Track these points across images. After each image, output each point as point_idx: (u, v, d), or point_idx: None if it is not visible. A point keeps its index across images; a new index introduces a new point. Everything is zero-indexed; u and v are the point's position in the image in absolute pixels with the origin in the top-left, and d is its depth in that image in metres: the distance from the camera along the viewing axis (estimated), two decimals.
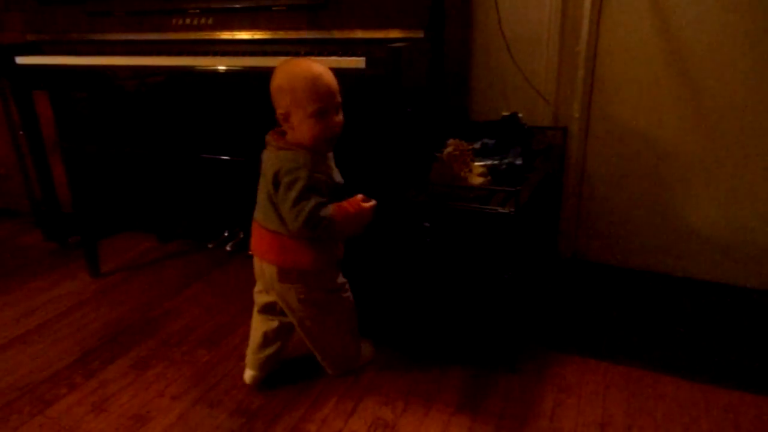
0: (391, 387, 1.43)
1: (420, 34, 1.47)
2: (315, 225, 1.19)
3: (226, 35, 1.71)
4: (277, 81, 1.21)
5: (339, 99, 1.22)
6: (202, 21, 1.72)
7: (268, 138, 1.28)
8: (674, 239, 1.89)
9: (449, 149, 1.43)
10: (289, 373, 1.49)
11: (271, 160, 1.25)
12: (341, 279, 1.39)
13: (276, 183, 1.22)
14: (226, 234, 1.90)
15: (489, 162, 1.55)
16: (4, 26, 2.18)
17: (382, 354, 1.55)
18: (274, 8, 1.63)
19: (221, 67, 1.55)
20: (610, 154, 1.89)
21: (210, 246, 1.89)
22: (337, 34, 1.57)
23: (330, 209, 1.21)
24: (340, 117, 1.23)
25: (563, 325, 1.67)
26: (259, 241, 1.33)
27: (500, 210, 1.34)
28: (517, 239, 1.36)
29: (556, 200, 1.94)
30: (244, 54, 1.61)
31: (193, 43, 1.76)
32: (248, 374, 1.44)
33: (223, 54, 1.64)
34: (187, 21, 1.74)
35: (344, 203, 1.24)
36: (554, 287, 1.88)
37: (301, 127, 1.20)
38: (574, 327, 1.65)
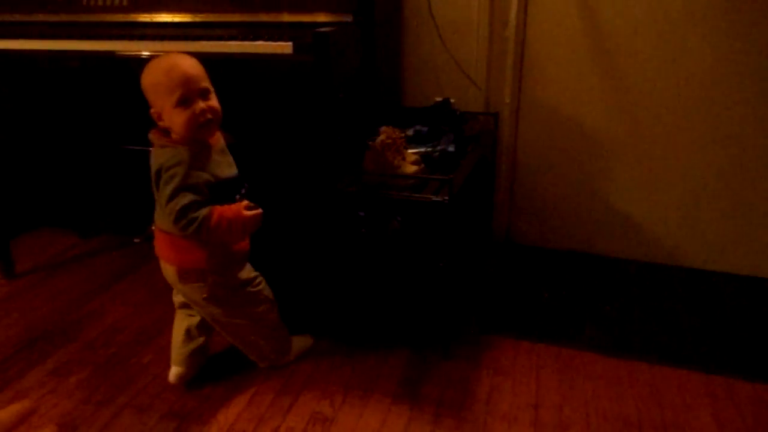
0: (329, 380, 1.41)
1: (349, 18, 1.44)
2: (186, 224, 1.14)
3: (144, 17, 1.62)
4: (142, 81, 1.17)
5: (203, 84, 1.16)
6: (116, 2, 1.61)
7: (151, 136, 1.21)
8: (601, 220, 1.96)
9: (382, 137, 1.41)
10: (223, 370, 1.45)
11: (153, 158, 1.20)
12: (247, 274, 1.34)
13: (158, 180, 1.18)
14: (152, 228, 1.81)
15: (422, 149, 1.54)
16: None
17: (319, 346, 1.53)
18: None
19: (145, 53, 1.47)
20: (540, 138, 1.93)
21: (136, 241, 1.81)
22: (263, 17, 1.52)
23: (205, 210, 1.15)
24: (209, 102, 1.17)
25: (497, 308, 1.70)
26: (158, 242, 1.29)
27: (434, 198, 1.33)
28: (451, 227, 1.36)
29: (489, 185, 1.97)
30: (165, 38, 1.52)
31: (109, 26, 1.65)
32: (173, 371, 1.39)
33: (142, 38, 1.54)
34: (99, 2, 1.62)
35: (225, 207, 1.17)
36: (488, 271, 1.91)
37: (172, 121, 1.16)
38: (508, 310, 1.69)
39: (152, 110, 1.19)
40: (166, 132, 1.20)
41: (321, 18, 1.45)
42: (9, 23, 1.74)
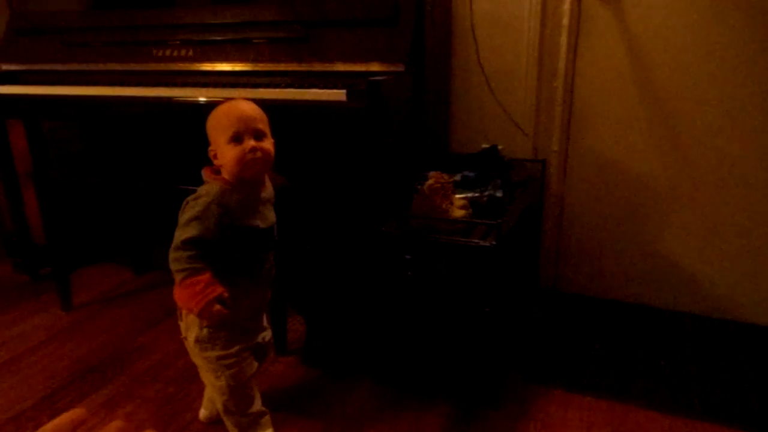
0: (372, 423, 1.39)
1: (401, 68, 1.49)
2: (178, 260, 1.10)
3: (206, 66, 1.71)
4: (207, 123, 1.21)
5: (259, 126, 1.18)
6: (183, 52, 1.72)
7: (202, 171, 1.23)
8: (654, 270, 1.90)
9: (430, 182, 1.43)
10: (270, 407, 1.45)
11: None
12: (230, 345, 1.23)
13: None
14: None
15: (470, 194, 1.55)
16: None
17: (364, 388, 1.51)
18: (255, 41, 1.64)
19: (201, 99, 1.54)
20: (589, 185, 1.91)
21: None
22: (317, 67, 1.58)
23: (199, 264, 1.10)
24: (261, 143, 1.17)
25: (545, 358, 1.65)
26: None
27: (482, 243, 1.33)
28: (498, 272, 1.35)
29: (536, 232, 1.95)
30: (224, 86, 1.61)
31: (174, 74, 1.75)
32: (201, 412, 1.44)
33: (204, 85, 1.63)
34: (167, 52, 1.73)
35: (212, 281, 1.10)
36: (535, 319, 1.87)
37: (223, 157, 1.17)
38: (557, 360, 1.64)
39: (210, 148, 1.22)
40: (218, 171, 1.22)
41: (374, 67, 1.50)
42: (85, 72, 1.87)
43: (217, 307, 1.08)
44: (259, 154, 1.16)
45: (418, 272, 1.40)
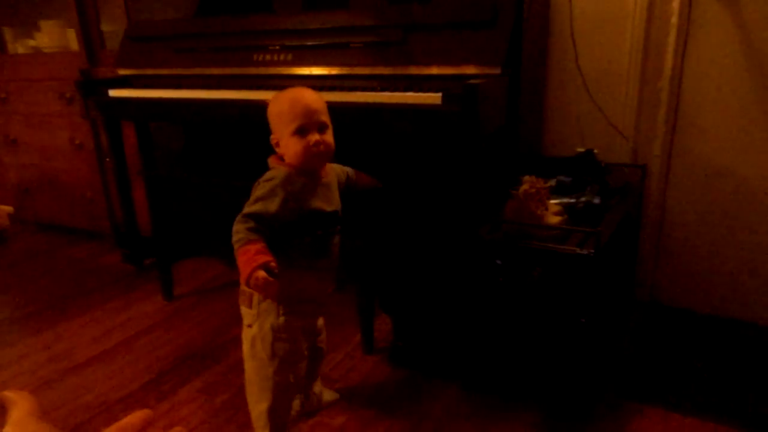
0: (457, 428, 1.38)
1: (497, 71, 1.47)
2: (236, 230, 1.12)
3: (303, 71, 1.76)
4: (268, 109, 1.22)
5: (323, 118, 1.18)
6: (282, 57, 1.78)
7: (269, 159, 1.25)
8: (763, 286, 1.76)
9: (525, 187, 1.40)
10: (353, 405, 1.48)
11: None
12: (299, 341, 1.25)
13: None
14: None
15: (565, 200, 1.50)
16: (100, 62, 2.34)
17: (449, 392, 1.51)
18: (351, 45, 1.67)
19: None
20: (694, 193, 1.79)
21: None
22: (412, 70, 1.59)
23: (254, 236, 1.11)
24: (324, 136, 1.18)
25: (642, 373, 1.57)
26: None
27: (579, 251, 1.29)
28: (595, 282, 1.30)
29: (633, 241, 1.86)
30: (320, 89, 1.64)
31: (272, 78, 1.82)
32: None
33: None
34: (267, 57, 1.80)
35: (262, 250, 1.09)
36: (632, 332, 1.79)
37: (287, 148, 1.19)
38: (655, 377, 1.56)
39: (272, 136, 1.23)
40: (282, 159, 1.23)
41: (469, 71, 1.49)
42: (190, 76, 1.98)
43: (263, 273, 1.06)
44: (322, 147, 1.18)
45: (509, 278, 1.38)
